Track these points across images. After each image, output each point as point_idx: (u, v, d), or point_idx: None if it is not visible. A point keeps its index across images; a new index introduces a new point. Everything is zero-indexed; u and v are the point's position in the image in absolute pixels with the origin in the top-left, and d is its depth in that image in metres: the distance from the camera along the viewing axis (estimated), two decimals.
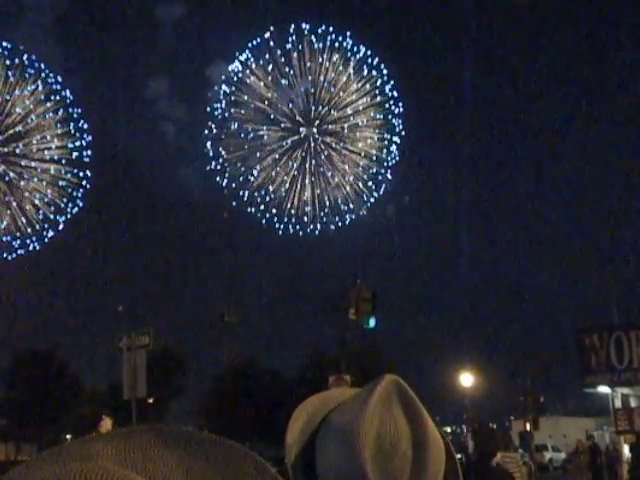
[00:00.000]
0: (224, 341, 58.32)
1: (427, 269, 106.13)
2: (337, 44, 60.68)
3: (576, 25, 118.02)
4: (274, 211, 62.37)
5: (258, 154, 62.24)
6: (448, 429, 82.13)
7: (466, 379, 50.64)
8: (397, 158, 63.41)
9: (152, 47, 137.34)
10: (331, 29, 61.11)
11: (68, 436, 56.07)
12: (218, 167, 61.23)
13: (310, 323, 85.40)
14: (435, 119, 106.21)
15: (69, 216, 61.33)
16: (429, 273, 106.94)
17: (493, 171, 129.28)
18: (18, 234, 60.06)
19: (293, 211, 63.19)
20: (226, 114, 61.70)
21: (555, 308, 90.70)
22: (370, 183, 63.59)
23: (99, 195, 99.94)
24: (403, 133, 63.04)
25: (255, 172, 62.44)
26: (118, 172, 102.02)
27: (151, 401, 41.81)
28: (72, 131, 59.47)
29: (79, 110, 60.47)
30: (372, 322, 26.49)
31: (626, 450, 26.67)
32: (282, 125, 62.56)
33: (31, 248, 60.63)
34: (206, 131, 61.16)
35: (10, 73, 57.70)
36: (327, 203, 63.75)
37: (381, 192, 64.68)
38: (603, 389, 28.40)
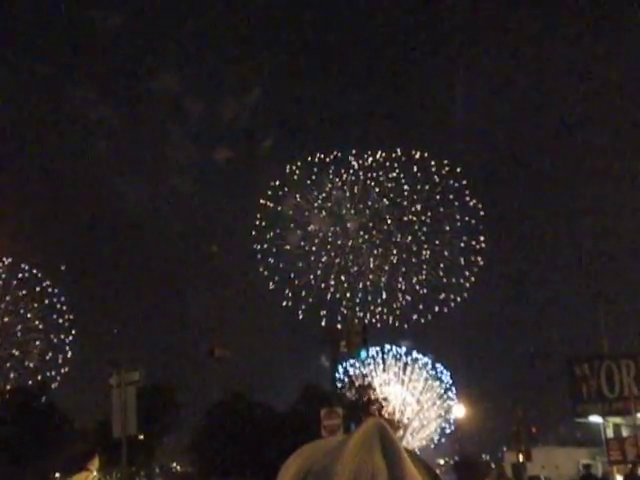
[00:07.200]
0: (215, 375, 57.96)
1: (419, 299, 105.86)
2: None
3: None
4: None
5: None
6: (441, 461, 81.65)
7: (458, 411, 50.55)
8: None
9: None
10: None
11: (57, 475, 55.18)
12: None
13: (302, 356, 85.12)
14: None
15: None
16: (422, 303, 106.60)
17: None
18: None
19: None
20: None
21: (546, 338, 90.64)
22: None
23: (89, 237, 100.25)
24: None
25: None
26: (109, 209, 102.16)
27: (141, 437, 41.28)
28: None
29: None
30: (363, 354, 26.50)
31: None
32: None
33: None
34: None
35: None
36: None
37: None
38: (595, 419, 28.30)
